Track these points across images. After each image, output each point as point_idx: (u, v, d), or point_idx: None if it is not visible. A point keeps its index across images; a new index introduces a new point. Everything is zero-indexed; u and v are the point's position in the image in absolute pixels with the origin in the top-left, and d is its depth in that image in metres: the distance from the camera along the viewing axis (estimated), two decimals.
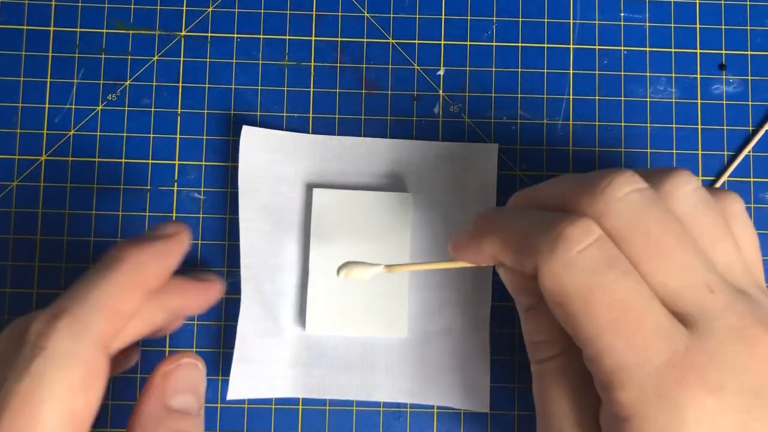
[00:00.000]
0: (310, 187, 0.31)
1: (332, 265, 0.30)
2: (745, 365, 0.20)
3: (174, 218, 0.31)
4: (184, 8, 0.33)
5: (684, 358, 0.20)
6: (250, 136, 0.31)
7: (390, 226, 0.31)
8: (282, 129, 0.32)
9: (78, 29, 0.32)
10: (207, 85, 0.32)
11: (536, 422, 0.24)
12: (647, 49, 0.33)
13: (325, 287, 0.30)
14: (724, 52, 0.33)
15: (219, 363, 0.31)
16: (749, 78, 0.33)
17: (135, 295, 0.24)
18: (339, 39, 0.33)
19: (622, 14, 0.33)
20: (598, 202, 0.21)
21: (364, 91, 0.32)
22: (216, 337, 0.31)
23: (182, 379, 0.25)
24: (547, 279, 0.21)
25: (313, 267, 0.30)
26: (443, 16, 0.33)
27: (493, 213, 0.25)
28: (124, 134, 0.32)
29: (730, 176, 0.32)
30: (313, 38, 0.33)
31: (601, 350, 0.20)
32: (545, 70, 0.33)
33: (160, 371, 0.24)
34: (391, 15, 0.33)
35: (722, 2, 0.33)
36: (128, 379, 0.31)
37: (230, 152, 0.32)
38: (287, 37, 0.33)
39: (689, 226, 0.22)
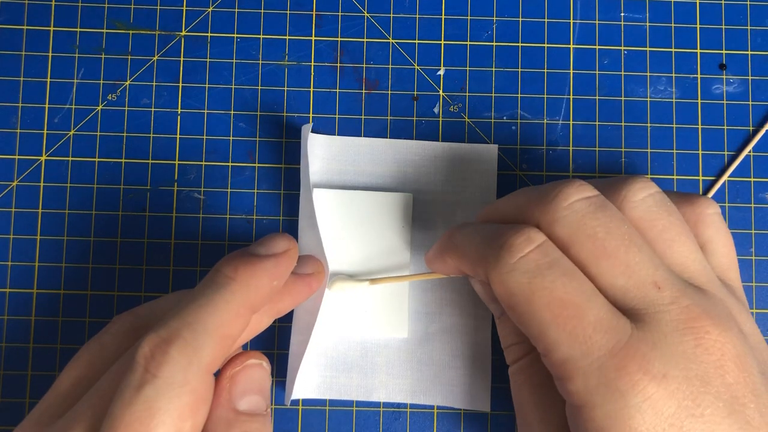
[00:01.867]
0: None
1: (333, 265, 0.30)
2: (690, 355, 0.21)
3: (174, 218, 0.31)
4: (184, 8, 0.33)
5: (626, 348, 0.21)
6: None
7: (391, 226, 0.31)
8: (281, 129, 0.32)
9: (78, 29, 0.32)
10: (207, 85, 0.32)
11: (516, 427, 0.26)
12: (647, 49, 0.33)
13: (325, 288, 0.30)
14: (724, 52, 0.33)
15: None
16: (749, 78, 0.33)
17: (246, 318, 0.23)
18: (339, 39, 0.33)
19: (622, 14, 0.33)
20: (548, 212, 0.23)
21: (364, 91, 0.32)
22: None
23: (249, 381, 0.24)
24: (495, 285, 0.23)
25: None
26: (443, 16, 0.33)
27: (454, 230, 0.26)
28: (124, 134, 0.32)
29: (730, 176, 0.32)
30: (313, 38, 0.33)
31: (548, 345, 0.22)
32: (545, 70, 0.33)
33: (226, 374, 0.24)
34: (391, 15, 0.33)
35: (722, 2, 0.33)
36: None
37: (230, 152, 0.32)
38: (287, 37, 0.33)
39: (644, 228, 0.23)
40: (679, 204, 0.25)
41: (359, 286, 0.30)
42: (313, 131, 0.32)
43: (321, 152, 0.31)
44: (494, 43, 0.33)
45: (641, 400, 0.20)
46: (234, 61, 0.32)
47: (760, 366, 0.22)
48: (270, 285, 0.24)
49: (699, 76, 0.33)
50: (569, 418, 0.22)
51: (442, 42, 0.33)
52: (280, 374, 0.30)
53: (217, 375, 0.24)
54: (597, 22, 0.33)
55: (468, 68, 0.33)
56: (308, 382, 0.30)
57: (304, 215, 0.30)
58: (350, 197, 0.31)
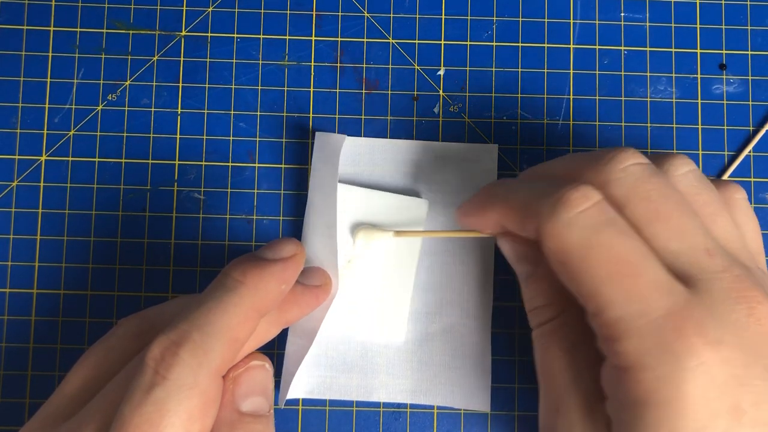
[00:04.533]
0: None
1: (340, 259, 0.30)
2: (743, 324, 0.21)
3: (174, 218, 0.31)
4: (184, 8, 0.33)
5: (683, 310, 0.20)
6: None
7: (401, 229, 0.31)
8: (281, 129, 0.32)
9: (78, 29, 0.32)
10: (207, 85, 0.32)
11: (539, 394, 0.25)
12: (647, 48, 0.33)
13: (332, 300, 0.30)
14: (724, 51, 0.33)
15: None
16: (749, 78, 0.33)
17: (254, 321, 0.24)
18: (339, 39, 0.33)
19: (622, 14, 0.33)
20: (602, 173, 0.23)
21: (364, 91, 0.32)
22: None
23: (252, 382, 0.25)
24: (548, 239, 0.22)
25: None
26: (443, 16, 0.33)
27: (498, 183, 0.26)
28: (124, 134, 0.32)
29: (730, 176, 0.32)
30: (313, 38, 0.33)
31: (602, 303, 0.21)
32: (545, 70, 0.33)
33: (229, 376, 0.24)
34: (391, 15, 0.33)
35: (722, 2, 0.33)
36: None
37: (230, 152, 0.32)
38: (287, 37, 0.33)
39: (688, 201, 0.23)
40: None
41: (384, 237, 0.29)
42: (312, 131, 0.32)
43: (317, 152, 0.31)
44: (494, 43, 0.33)
45: (696, 364, 0.20)
46: (234, 61, 0.32)
47: None
48: (278, 289, 0.24)
49: (699, 76, 0.33)
50: (608, 381, 0.22)
51: (442, 42, 0.33)
52: (280, 374, 0.30)
53: None
54: (597, 22, 0.33)
55: (468, 68, 0.33)
56: (308, 383, 0.30)
57: (315, 222, 0.30)
58: (367, 195, 0.31)
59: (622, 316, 0.21)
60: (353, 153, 0.32)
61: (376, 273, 0.30)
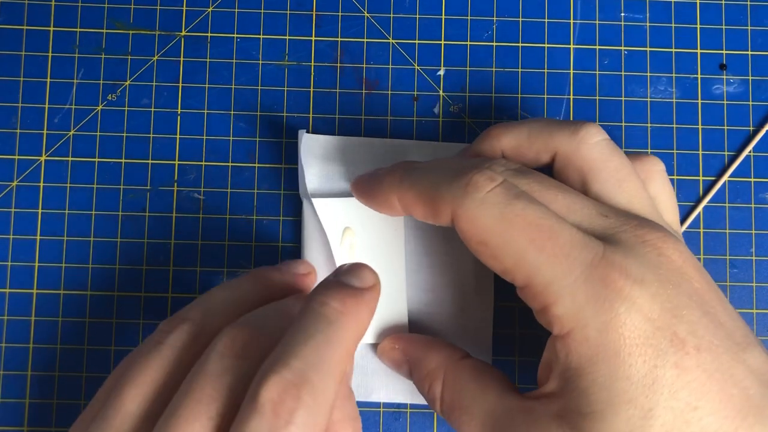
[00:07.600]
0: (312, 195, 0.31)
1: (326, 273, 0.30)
2: (657, 263, 0.22)
3: (174, 218, 0.31)
4: (184, 8, 0.33)
5: (604, 259, 0.21)
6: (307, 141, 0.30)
7: (384, 229, 0.30)
8: (281, 129, 0.32)
9: (78, 29, 0.32)
10: (207, 85, 0.32)
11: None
12: (648, 49, 0.33)
13: None
14: (724, 52, 0.33)
15: None
16: (750, 78, 0.33)
17: (353, 356, 0.24)
18: (339, 39, 0.33)
19: (622, 14, 0.33)
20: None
21: (364, 91, 0.32)
22: None
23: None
24: (464, 222, 0.23)
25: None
26: (443, 16, 0.33)
27: (398, 169, 0.26)
28: (124, 134, 0.32)
29: (730, 176, 0.32)
30: (313, 38, 0.33)
31: (529, 272, 0.22)
32: (545, 70, 0.33)
33: None
34: (391, 15, 0.33)
35: (723, 2, 0.33)
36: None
37: (230, 152, 0.32)
38: (287, 37, 0.33)
39: (598, 168, 0.25)
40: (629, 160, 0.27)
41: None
42: (312, 131, 0.32)
43: (320, 152, 0.31)
44: (494, 43, 0.33)
45: (629, 305, 0.21)
46: (234, 61, 0.32)
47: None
48: (370, 319, 0.23)
49: (699, 76, 0.33)
50: (556, 357, 0.22)
51: (442, 42, 0.33)
52: None
53: None
54: (597, 22, 0.33)
55: (468, 68, 0.33)
56: None
57: (307, 226, 0.30)
58: (344, 204, 0.30)
59: (551, 278, 0.21)
60: (353, 153, 0.31)
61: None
